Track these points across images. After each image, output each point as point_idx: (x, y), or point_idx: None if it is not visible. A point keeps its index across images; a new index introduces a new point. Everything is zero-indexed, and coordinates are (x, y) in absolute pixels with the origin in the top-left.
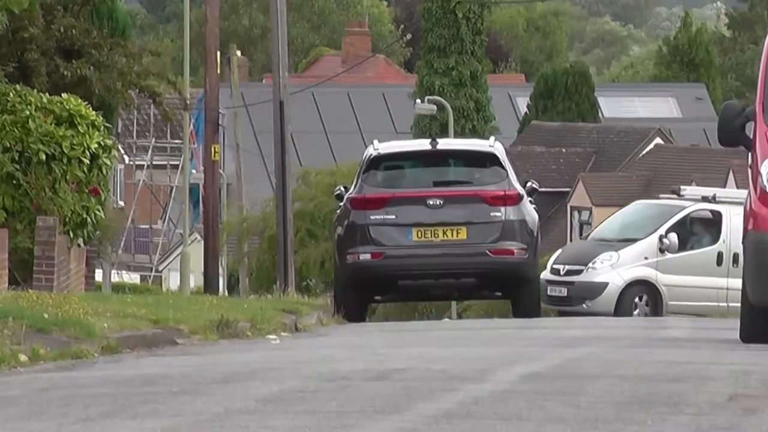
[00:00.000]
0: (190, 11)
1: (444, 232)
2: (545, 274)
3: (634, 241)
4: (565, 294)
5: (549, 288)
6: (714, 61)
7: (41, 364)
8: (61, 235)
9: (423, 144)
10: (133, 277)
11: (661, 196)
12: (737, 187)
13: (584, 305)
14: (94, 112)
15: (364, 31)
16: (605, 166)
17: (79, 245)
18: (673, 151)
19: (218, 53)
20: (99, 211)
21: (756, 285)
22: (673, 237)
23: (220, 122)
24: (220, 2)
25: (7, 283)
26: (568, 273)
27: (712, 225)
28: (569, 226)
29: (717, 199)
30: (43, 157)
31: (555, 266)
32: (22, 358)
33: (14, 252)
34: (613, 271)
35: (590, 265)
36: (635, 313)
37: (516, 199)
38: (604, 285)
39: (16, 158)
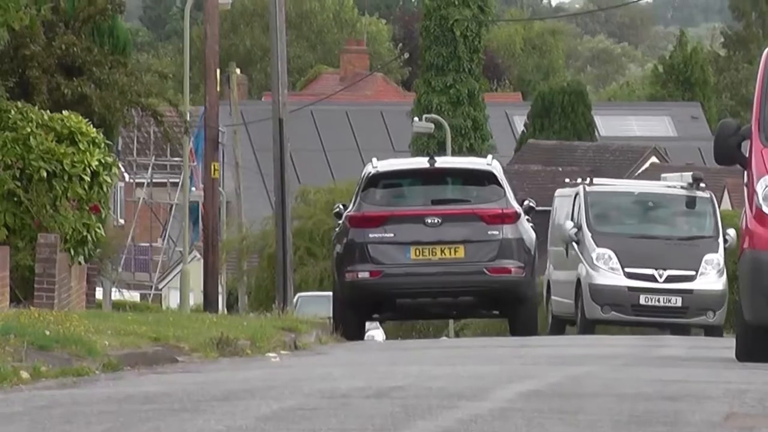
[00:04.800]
0: (190, 29)
1: (442, 251)
2: (619, 280)
3: (698, 238)
4: (680, 304)
5: (643, 297)
6: (709, 80)
7: (43, 381)
8: (62, 253)
9: (421, 162)
10: (133, 295)
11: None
12: (732, 207)
13: (707, 317)
14: (94, 130)
15: (362, 49)
16: None
17: (79, 263)
18: (669, 170)
19: (218, 71)
20: (99, 228)
21: (752, 303)
22: (733, 232)
23: (219, 140)
24: (220, 20)
25: (8, 300)
26: (671, 279)
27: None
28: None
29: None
30: (44, 174)
31: (638, 270)
32: (24, 375)
33: (15, 269)
34: (722, 277)
35: (702, 270)
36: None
37: (513, 218)
38: (724, 294)
39: (17, 175)
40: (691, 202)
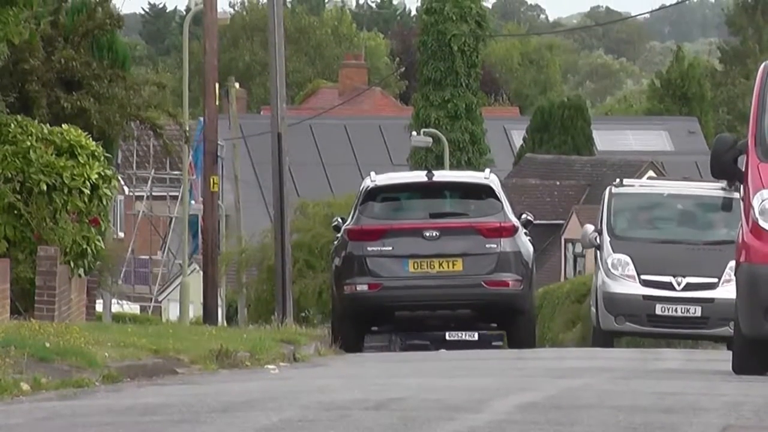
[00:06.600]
0: (189, 43)
1: (440, 264)
2: (634, 288)
3: (725, 243)
4: (699, 314)
5: (659, 306)
6: (706, 95)
7: (43, 393)
8: (62, 266)
9: (419, 176)
10: (133, 308)
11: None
12: None
13: (729, 327)
14: (94, 143)
15: (360, 64)
16: (599, 198)
17: (79, 275)
18: None
19: (217, 85)
20: (99, 241)
21: (748, 316)
22: None
23: (218, 154)
24: (219, 35)
25: (9, 312)
26: (690, 287)
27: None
28: (563, 258)
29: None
30: (44, 187)
31: (654, 278)
32: (24, 387)
33: (16, 282)
34: None
35: (725, 277)
36: None
37: (511, 231)
38: None
39: (18, 188)
40: (727, 204)
